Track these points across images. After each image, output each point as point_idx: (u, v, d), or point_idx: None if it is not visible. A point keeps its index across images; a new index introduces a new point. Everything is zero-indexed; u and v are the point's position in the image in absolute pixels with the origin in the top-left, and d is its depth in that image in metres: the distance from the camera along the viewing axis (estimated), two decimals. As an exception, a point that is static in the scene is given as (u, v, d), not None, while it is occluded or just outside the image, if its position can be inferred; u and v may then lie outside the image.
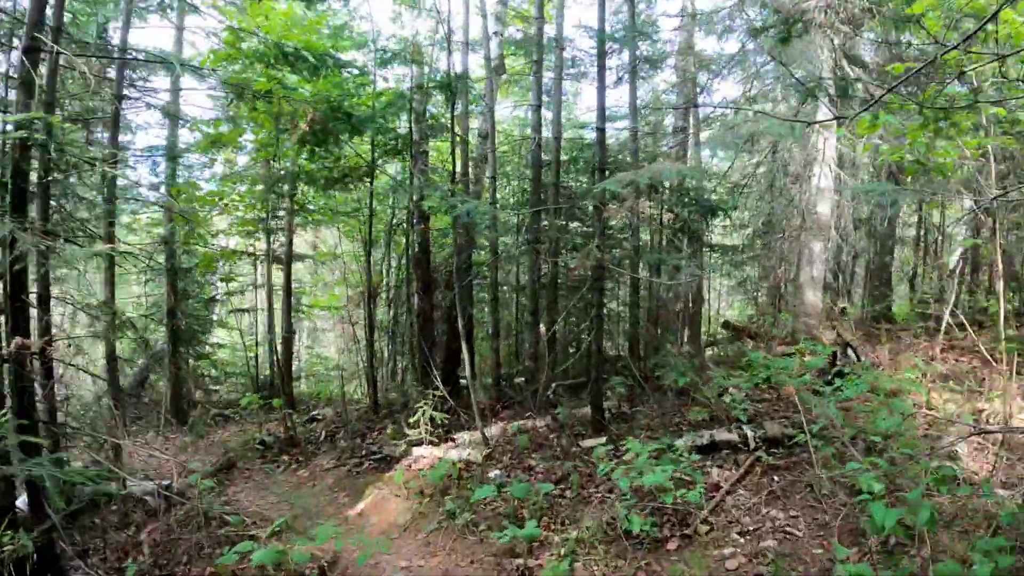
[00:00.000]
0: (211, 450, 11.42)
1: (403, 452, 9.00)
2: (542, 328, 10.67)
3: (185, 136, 13.37)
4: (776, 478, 7.16)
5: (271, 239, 16.14)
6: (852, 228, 14.47)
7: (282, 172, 10.66)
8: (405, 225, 12.05)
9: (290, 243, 15.55)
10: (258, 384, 15.22)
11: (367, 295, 12.57)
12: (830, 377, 9.57)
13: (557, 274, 11.71)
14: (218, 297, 16.90)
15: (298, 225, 17.42)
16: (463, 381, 12.75)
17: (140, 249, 9.07)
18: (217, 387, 16.25)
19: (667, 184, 11.61)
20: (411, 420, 9.15)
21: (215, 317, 18.06)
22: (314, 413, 12.89)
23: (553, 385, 9.98)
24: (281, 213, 15.49)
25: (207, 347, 16.55)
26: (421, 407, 9.06)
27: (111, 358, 7.85)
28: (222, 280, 13.82)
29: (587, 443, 8.47)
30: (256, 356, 15.51)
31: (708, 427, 8.43)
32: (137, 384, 14.80)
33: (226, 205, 11.12)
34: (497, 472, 7.87)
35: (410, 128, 10.77)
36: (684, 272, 10.91)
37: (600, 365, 9.08)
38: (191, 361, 15.33)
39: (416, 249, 12.64)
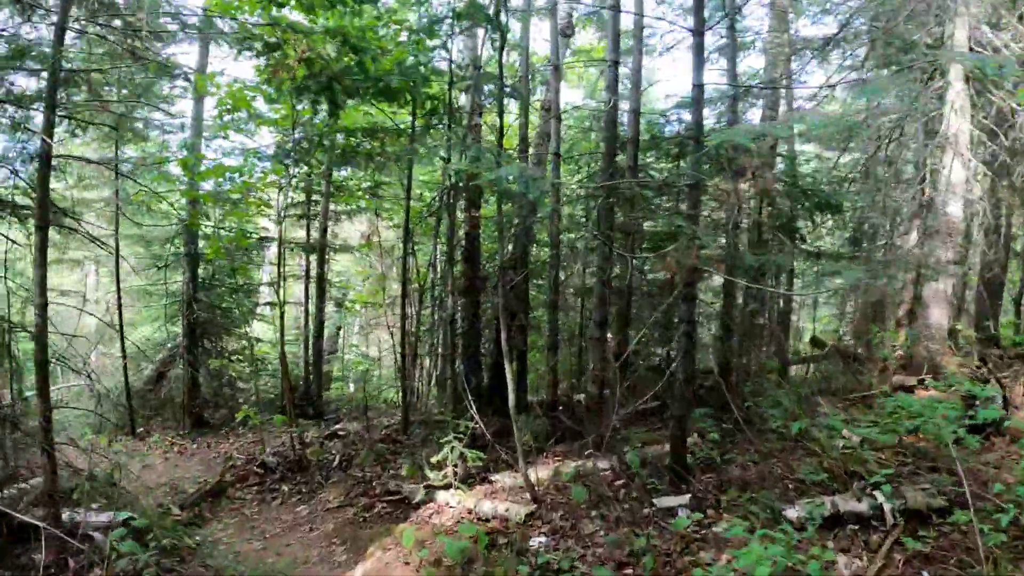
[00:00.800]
0: (213, 465, 9.72)
1: (424, 497, 7.01)
2: (610, 342, 8.63)
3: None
4: (926, 575, 4.99)
5: (309, 225, 14.55)
6: (985, 233, 11.95)
7: (300, 138, 8.79)
8: (445, 208, 10.07)
9: (324, 231, 13.86)
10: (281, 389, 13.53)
11: (403, 293, 10.72)
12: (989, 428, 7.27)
13: (631, 277, 9.64)
14: (252, 288, 15.32)
15: (342, 213, 15.77)
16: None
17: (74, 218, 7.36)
18: (245, 386, 14.55)
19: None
20: (434, 459, 7.14)
21: (260, 310, 16.52)
22: (337, 427, 11.07)
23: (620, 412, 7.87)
24: (317, 198, 13.86)
25: (243, 342, 14.93)
26: (448, 442, 7.05)
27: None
28: (231, 270, 12.23)
29: (664, 502, 6.38)
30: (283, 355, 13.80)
31: (825, 488, 6.30)
32: (153, 380, 13.28)
33: (245, 182, 9.37)
34: (542, 540, 5.81)
35: (450, 73, 8.79)
36: (817, 279, 8.70)
37: (685, 398, 6.96)
38: (221, 358, 13.69)
39: (463, 241, 10.70)
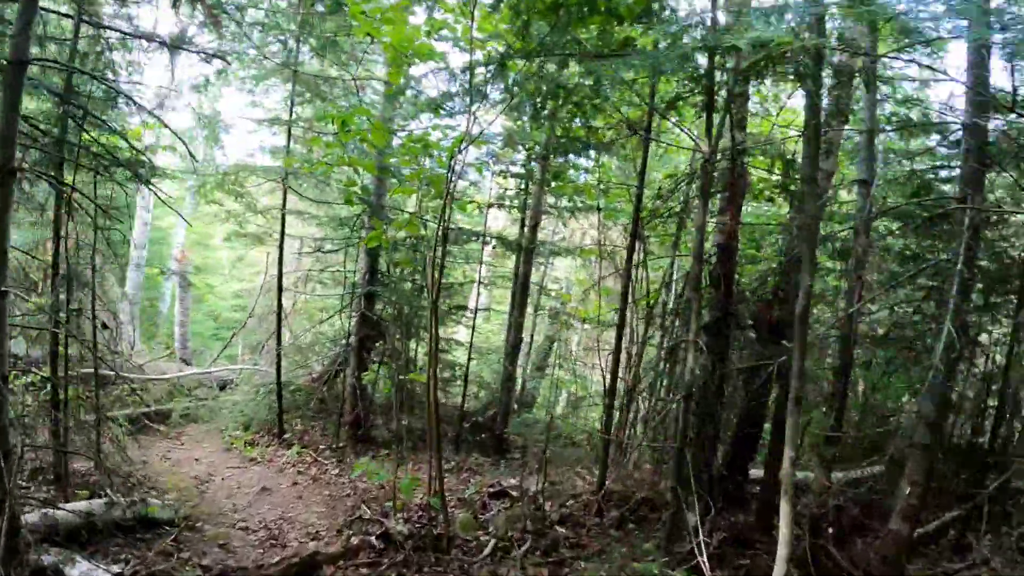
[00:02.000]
0: (340, 509, 7.34)
1: None
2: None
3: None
4: None
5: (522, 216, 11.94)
6: None
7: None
8: (697, 196, 6.83)
9: (534, 226, 11.22)
10: (463, 415, 11.03)
11: (620, 318, 7.78)
12: None
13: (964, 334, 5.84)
14: (449, 287, 13.02)
15: (564, 209, 12.95)
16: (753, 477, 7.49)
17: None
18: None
19: None
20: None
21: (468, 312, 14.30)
22: (510, 484, 8.27)
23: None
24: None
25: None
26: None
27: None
28: (391, 264, 9.99)
29: None
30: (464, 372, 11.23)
31: None
32: (320, 380, 11.39)
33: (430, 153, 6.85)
34: None
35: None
36: None
37: None
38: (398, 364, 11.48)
39: (713, 256, 7.39)
